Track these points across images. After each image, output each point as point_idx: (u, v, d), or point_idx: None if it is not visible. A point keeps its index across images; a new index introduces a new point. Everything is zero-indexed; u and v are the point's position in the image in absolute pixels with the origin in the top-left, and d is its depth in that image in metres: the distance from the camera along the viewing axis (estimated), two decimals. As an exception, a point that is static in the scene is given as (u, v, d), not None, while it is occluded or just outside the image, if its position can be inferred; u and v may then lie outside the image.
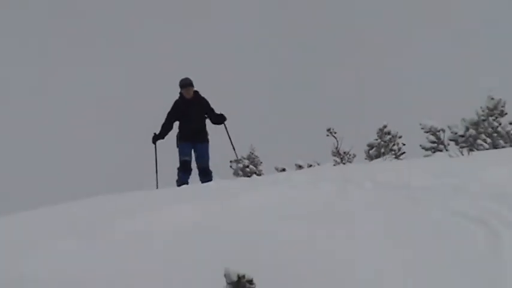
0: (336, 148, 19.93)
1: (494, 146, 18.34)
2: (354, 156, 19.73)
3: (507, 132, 18.76)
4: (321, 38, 56.98)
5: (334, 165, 18.41)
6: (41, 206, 10.58)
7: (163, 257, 7.45)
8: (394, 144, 19.64)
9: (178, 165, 16.51)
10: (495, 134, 18.81)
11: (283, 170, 16.47)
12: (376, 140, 19.77)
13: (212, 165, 16.32)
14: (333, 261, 7.40)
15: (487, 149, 17.86)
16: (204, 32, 61.61)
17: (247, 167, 19.68)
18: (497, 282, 7.21)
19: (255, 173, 19.31)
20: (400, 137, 19.66)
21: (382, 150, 19.58)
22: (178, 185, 15.83)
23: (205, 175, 16.18)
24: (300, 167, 17.28)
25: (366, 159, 19.42)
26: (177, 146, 16.53)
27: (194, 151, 16.37)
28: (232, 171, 20.25)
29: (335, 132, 19.85)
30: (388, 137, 19.67)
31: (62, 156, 43.87)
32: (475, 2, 55.73)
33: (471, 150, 17.24)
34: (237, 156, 18.62)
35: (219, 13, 62.91)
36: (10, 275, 6.95)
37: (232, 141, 17.71)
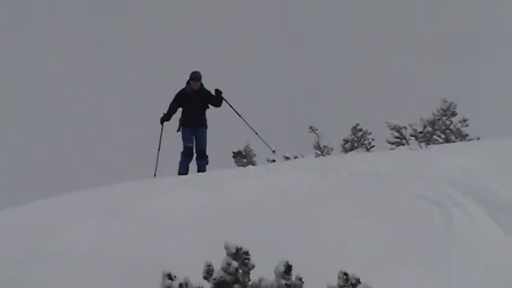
0: (317, 142, 19.98)
1: (447, 141, 18.39)
2: (332, 149, 19.77)
3: (457, 129, 18.82)
4: (308, 41, 56.04)
5: (316, 156, 18.45)
6: (66, 192, 10.50)
7: (176, 232, 7.47)
8: (365, 140, 19.67)
9: (181, 150, 15.77)
10: (448, 131, 18.87)
11: (274, 161, 16.39)
12: (350, 135, 19.80)
13: (217, 156, 16.07)
14: (314, 234, 7.44)
15: (441, 143, 17.89)
16: (200, 29, 60.25)
17: (244, 157, 19.59)
18: (448, 251, 7.35)
19: (250, 163, 19.28)
20: (370, 133, 19.71)
21: (355, 144, 19.61)
22: (180, 168, 15.42)
23: (202, 157, 15.52)
24: (287, 158, 17.27)
25: (341, 151, 19.43)
26: (178, 131, 15.82)
27: (194, 136, 15.66)
28: (233, 161, 20.06)
29: (316, 129, 19.93)
30: (360, 133, 19.71)
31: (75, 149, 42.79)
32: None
33: (428, 144, 17.29)
34: (246, 122, 17.03)
35: (214, 10, 61.43)
36: (48, 248, 6.96)
37: (236, 109, 16.55)
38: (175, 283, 5.32)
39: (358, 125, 19.92)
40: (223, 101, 15.91)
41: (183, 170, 15.27)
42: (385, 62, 52.20)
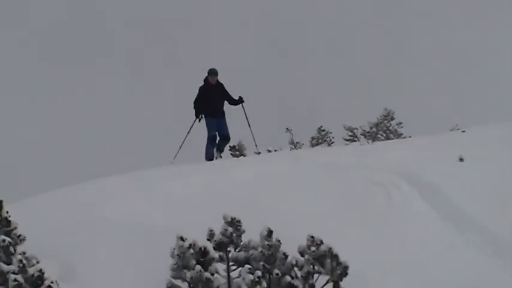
0: (291, 139, 19.99)
1: (388, 138, 18.48)
2: (302, 144, 19.73)
3: (395, 130, 18.92)
4: (286, 57, 54.48)
5: (290, 150, 18.43)
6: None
7: (187, 206, 7.45)
8: (327, 137, 19.72)
9: (205, 136, 13.70)
10: (388, 131, 18.95)
11: (259, 153, 16.27)
12: (316, 134, 19.85)
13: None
14: (289, 207, 7.44)
15: (383, 140, 17.94)
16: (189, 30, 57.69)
17: (237, 150, 19.51)
18: (388, 220, 7.48)
19: (242, 155, 19.27)
20: (330, 133, 19.77)
21: (320, 141, 19.64)
22: (207, 154, 13.59)
23: (225, 140, 13.71)
24: (269, 151, 17.20)
25: (309, 146, 19.44)
26: (198, 120, 13.74)
27: (217, 124, 13.58)
28: (229, 153, 19.86)
29: (291, 130, 19.97)
30: (323, 132, 19.76)
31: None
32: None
33: (374, 141, 17.33)
34: (252, 133, 14.96)
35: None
36: (97, 217, 6.94)
37: (248, 119, 14.64)
38: (186, 243, 5.30)
39: (321, 126, 19.98)
40: (241, 105, 14.17)
41: (209, 156, 13.63)
42: (342, 77, 51.80)
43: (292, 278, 5.46)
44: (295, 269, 5.51)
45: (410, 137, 18.13)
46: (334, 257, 5.41)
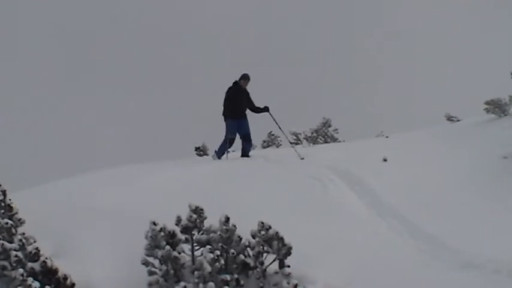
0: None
1: (326, 142, 18.65)
2: (256, 146, 19.74)
3: (331, 135, 19.10)
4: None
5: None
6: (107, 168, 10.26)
7: (160, 196, 7.43)
8: (276, 141, 19.80)
9: (224, 137, 12.22)
10: (326, 136, 19.13)
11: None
12: (267, 138, 19.91)
13: (183, 150, 15.15)
14: (244, 197, 7.47)
15: (322, 144, 18.11)
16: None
17: (201, 150, 19.39)
18: (324, 208, 7.53)
19: (205, 154, 19.19)
20: (278, 137, 19.83)
21: (270, 143, 19.72)
22: (219, 150, 12.26)
23: (248, 141, 12.26)
24: (228, 152, 17.22)
25: (261, 148, 19.49)
26: (223, 115, 12.16)
27: (238, 126, 12.08)
28: (195, 153, 19.70)
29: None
30: (273, 136, 19.84)
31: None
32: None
33: (314, 144, 17.50)
34: (284, 133, 13.49)
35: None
36: (86, 205, 6.88)
37: (279, 125, 12.59)
38: (158, 227, 5.33)
39: (271, 131, 20.04)
40: (269, 113, 12.46)
41: (220, 153, 12.27)
42: (289, 88, 51.20)
43: (246, 256, 5.54)
44: (248, 249, 5.58)
45: (344, 141, 18.39)
46: (280, 239, 5.49)
